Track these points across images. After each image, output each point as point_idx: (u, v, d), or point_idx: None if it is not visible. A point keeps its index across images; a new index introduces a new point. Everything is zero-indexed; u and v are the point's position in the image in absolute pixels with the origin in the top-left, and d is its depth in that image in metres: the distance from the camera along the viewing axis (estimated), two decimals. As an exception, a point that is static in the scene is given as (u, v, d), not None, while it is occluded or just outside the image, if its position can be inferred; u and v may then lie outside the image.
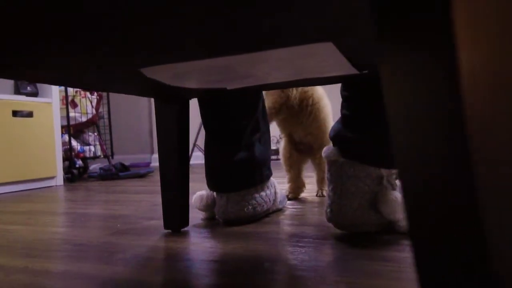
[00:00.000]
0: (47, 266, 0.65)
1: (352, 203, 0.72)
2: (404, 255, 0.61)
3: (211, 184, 0.92)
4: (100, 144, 2.65)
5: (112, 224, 0.97)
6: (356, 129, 0.75)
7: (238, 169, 0.89)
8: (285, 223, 0.89)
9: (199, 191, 0.95)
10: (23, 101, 2.03)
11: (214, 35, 0.39)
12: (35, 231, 0.93)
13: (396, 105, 0.19)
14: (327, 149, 0.77)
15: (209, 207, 0.92)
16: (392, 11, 0.19)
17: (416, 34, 0.17)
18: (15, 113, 1.97)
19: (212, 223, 0.92)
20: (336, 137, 0.77)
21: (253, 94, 0.93)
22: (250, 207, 0.89)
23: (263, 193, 0.92)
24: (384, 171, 0.74)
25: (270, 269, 0.58)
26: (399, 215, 0.71)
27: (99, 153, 2.63)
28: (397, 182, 0.78)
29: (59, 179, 2.20)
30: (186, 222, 0.88)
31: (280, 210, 1.03)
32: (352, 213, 0.72)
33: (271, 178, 0.99)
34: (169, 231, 0.86)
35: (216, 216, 0.93)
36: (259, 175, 0.92)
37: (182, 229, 0.87)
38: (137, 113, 3.86)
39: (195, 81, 0.56)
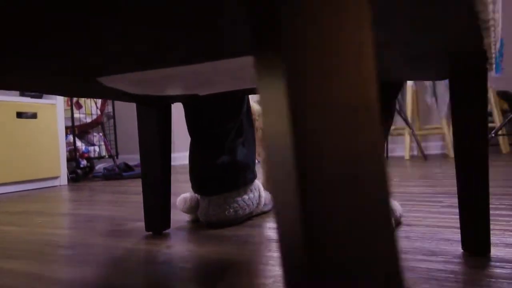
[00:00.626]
0: (18, 267, 0.67)
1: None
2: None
3: (194, 187, 0.94)
4: (105, 144, 2.69)
5: (101, 225, 0.99)
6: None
7: (220, 172, 0.90)
8: (266, 227, 0.89)
9: (183, 193, 0.96)
10: (27, 103, 2.07)
11: (167, 45, 0.40)
12: (24, 232, 0.95)
13: (264, 117, 0.19)
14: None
15: (192, 209, 0.93)
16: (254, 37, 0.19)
17: (266, 60, 0.18)
18: (19, 115, 2.01)
19: (195, 226, 0.94)
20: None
21: (237, 97, 0.94)
22: (231, 210, 0.89)
23: (245, 196, 0.93)
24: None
25: (234, 275, 0.59)
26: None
27: (104, 153, 2.66)
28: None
29: (63, 179, 2.24)
30: (167, 224, 0.89)
31: (265, 213, 1.03)
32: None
33: (256, 181, 0.99)
34: (150, 233, 0.88)
35: (199, 219, 0.94)
36: (242, 178, 0.93)
37: (164, 231, 0.89)
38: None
39: (158, 88, 0.57)
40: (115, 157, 2.74)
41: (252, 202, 0.95)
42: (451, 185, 1.43)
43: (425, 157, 2.92)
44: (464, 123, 0.60)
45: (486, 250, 0.61)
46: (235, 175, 0.92)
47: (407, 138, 3.09)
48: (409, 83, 3.15)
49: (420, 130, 3.40)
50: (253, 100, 1.20)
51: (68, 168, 2.36)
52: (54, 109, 2.19)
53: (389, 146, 3.60)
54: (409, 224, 0.84)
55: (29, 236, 0.91)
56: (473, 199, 0.60)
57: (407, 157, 3.04)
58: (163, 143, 0.87)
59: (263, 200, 0.99)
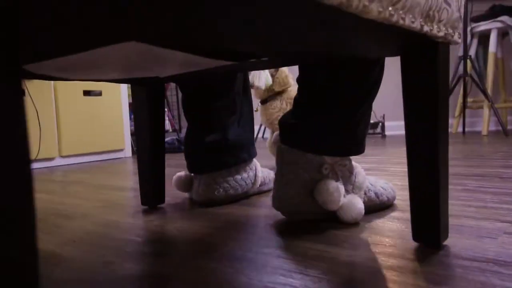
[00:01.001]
0: None
1: (290, 190, 0.70)
2: (319, 248, 0.59)
3: (187, 166, 0.96)
4: (169, 119, 2.84)
5: (114, 198, 1.07)
6: (300, 116, 0.72)
7: (209, 151, 0.91)
8: (256, 206, 0.89)
9: (179, 172, 0.99)
10: (93, 82, 2.25)
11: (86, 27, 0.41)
12: (41, 200, 1.06)
13: None
14: (275, 134, 0.76)
15: (185, 187, 0.96)
16: None
17: None
18: (86, 93, 2.20)
19: (190, 203, 0.96)
20: (279, 122, 0.75)
21: (227, 75, 0.93)
22: (221, 190, 0.90)
23: (238, 176, 0.93)
24: (328, 159, 0.70)
25: (193, 255, 0.61)
26: (333, 206, 0.68)
27: (168, 127, 2.82)
28: (346, 170, 0.73)
29: (128, 152, 2.42)
30: (162, 199, 0.93)
31: (264, 192, 1.02)
32: (289, 201, 0.70)
33: (254, 160, 0.99)
34: (145, 207, 0.93)
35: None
36: (234, 157, 0.92)
37: (159, 206, 0.93)
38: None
39: (87, 73, 0.59)
40: (179, 131, 2.89)
41: (246, 182, 0.94)
42: (500, 166, 1.28)
43: (505, 133, 2.62)
44: (413, 102, 0.54)
45: (438, 242, 0.55)
46: (225, 154, 0.92)
47: (485, 111, 2.79)
48: (492, 49, 2.81)
49: (505, 102, 3.05)
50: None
51: (134, 141, 2.54)
52: (118, 87, 2.36)
53: (468, 120, 3.29)
54: (398, 209, 0.78)
55: (42, 203, 1.01)
56: (423, 185, 0.54)
57: (484, 132, 2.75)
58: (155, 121, 0.90)
59: (259, 179, 0.98)
